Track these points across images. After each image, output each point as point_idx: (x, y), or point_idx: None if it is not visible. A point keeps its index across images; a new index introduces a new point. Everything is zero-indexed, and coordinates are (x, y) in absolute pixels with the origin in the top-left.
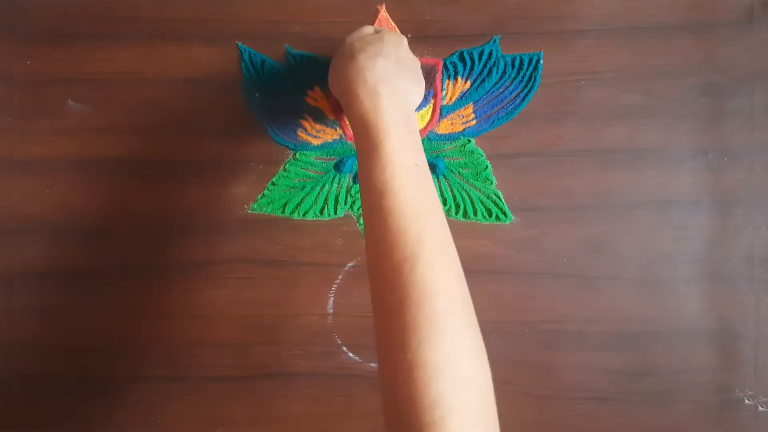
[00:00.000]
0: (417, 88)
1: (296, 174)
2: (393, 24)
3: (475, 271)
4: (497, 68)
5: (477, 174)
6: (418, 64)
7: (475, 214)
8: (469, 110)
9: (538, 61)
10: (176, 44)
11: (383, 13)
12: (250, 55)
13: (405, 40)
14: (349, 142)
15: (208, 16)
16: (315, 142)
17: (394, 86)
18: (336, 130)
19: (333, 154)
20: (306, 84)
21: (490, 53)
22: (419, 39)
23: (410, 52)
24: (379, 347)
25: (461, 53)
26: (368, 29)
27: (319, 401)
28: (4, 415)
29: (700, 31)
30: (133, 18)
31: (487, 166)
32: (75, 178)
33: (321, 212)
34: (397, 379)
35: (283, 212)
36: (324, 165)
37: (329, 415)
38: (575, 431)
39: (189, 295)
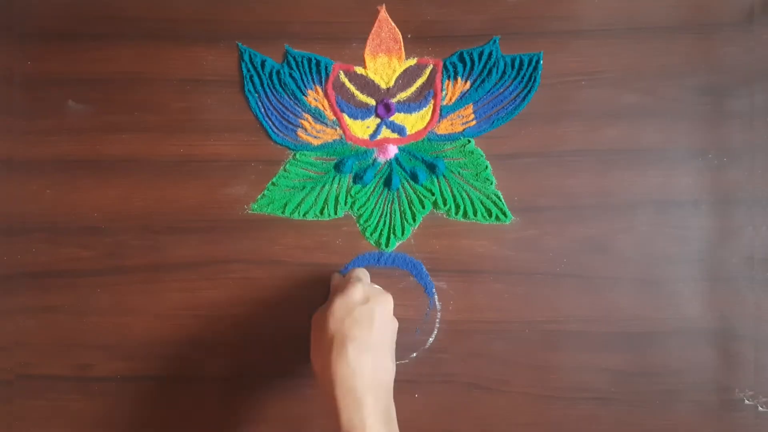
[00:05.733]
0: (393, 368)
1: (296, 174)
2: (393, 24)
3: (475, 271)
4: (497, 69)
5: (477, 174)
6: (396, 327)
7: (475, 214)
8: (469, 110)
9: (538, 62)
10: (176, 44)
11: (383, 13)
12: (250, 55)
13: (391, 303)
14: (349, 142)
15: (208, 16)
16: (315, 142)
17: (378, 384)
18: (336, 130)
19: (333, 155)
20: (306, 84)
21: (490, 54)
22: (419, 39)
23: (392, 316)
24: None
25: (461, 53)
26: (357, 295)
27: (319, 401)
28: (5, 415)
29: (701, 32)
30: (133, 18)
31: (487, 167)
32: (75, 178)
33: (321, 212)
34: None
35: (283, 212)
36: (324, 165)
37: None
38: (575, 431)
39: (189, 295)
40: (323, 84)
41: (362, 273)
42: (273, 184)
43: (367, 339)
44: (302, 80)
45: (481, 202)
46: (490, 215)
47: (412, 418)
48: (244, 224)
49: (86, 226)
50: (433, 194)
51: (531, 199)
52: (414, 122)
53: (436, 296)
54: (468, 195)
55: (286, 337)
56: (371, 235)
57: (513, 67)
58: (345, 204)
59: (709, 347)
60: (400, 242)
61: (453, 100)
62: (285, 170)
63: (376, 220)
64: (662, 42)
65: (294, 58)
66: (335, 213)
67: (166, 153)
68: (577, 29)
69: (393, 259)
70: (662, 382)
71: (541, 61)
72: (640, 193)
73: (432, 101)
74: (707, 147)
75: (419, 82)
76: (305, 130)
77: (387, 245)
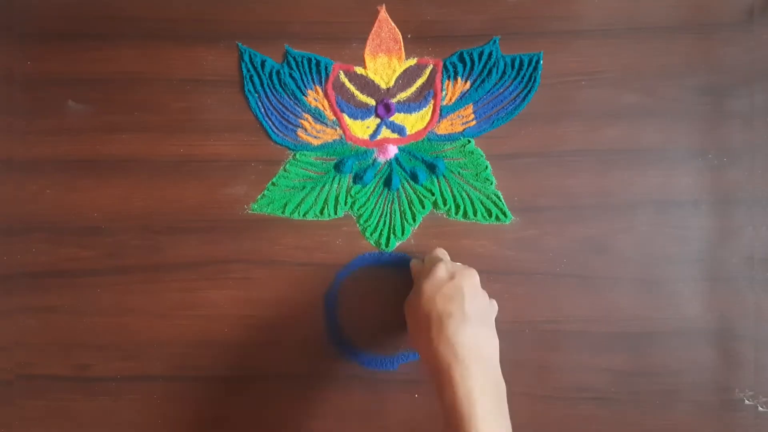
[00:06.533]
0: (495, 338)
1: (296, 174)
2: (393, 24)
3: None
4: (497, 69)
5: (477, 174)
6: (487, 298)
7: (475, 214)
8: (469, 110)
9: (538, 62)
10: (176, 44)
11: (383, 13)
12: (250, 55)
13: (476, 276)
14: (349, 142)
15: (208, 16)
16: (315, 142)
17: (482, 355)
18: (336, 130)
19: (333, 155)
20: (306, 84)
21: (490, 54)
22: (419, 39)
23: (480, 288)
24: None
25: (461, 54)
26: (442, 273)
27: (319, 401)
28: (4, 415)
29: (701, 32)
30: (133, 18)
31: (487, 167)
32: (75, 178)
33: (321, 212)
34: None
35: (283, 212)
36: (324, 165)
37: (329, 415)
38: (575, 431)
39: (189, 295)
40: (323, 84)
41: (441, 253)
42: (273, 184)
43: (461, 312)
44: (302, 80)
45: (481, 202)
46: (490, 215)
47: (412, 418)
48: (244, 224)
49: (86, 226)
50: (433, 194)
51: (531, 199)
52: (414, 122)
53: None
54: (468, 195)
55: (287, 337)
56: (371, 235)
57: (513, 67)
58: (345, 204)
59: (709, 347)
60: (400, 242)
61: (453, 100)
62: (285, 170)
63: (376, 220)
64: (662, 42)
65: (294, 58)
66: (335, 213)
67: (166, 153)
68: (577, 29)
69: (393, 259)
70: (662, 382)
71: (541, 61)
72: (640, 193)
73: (432, 101)
74: (707, 147)
75: (419, 82)
76: (305, 130)
77: (387, 245)
